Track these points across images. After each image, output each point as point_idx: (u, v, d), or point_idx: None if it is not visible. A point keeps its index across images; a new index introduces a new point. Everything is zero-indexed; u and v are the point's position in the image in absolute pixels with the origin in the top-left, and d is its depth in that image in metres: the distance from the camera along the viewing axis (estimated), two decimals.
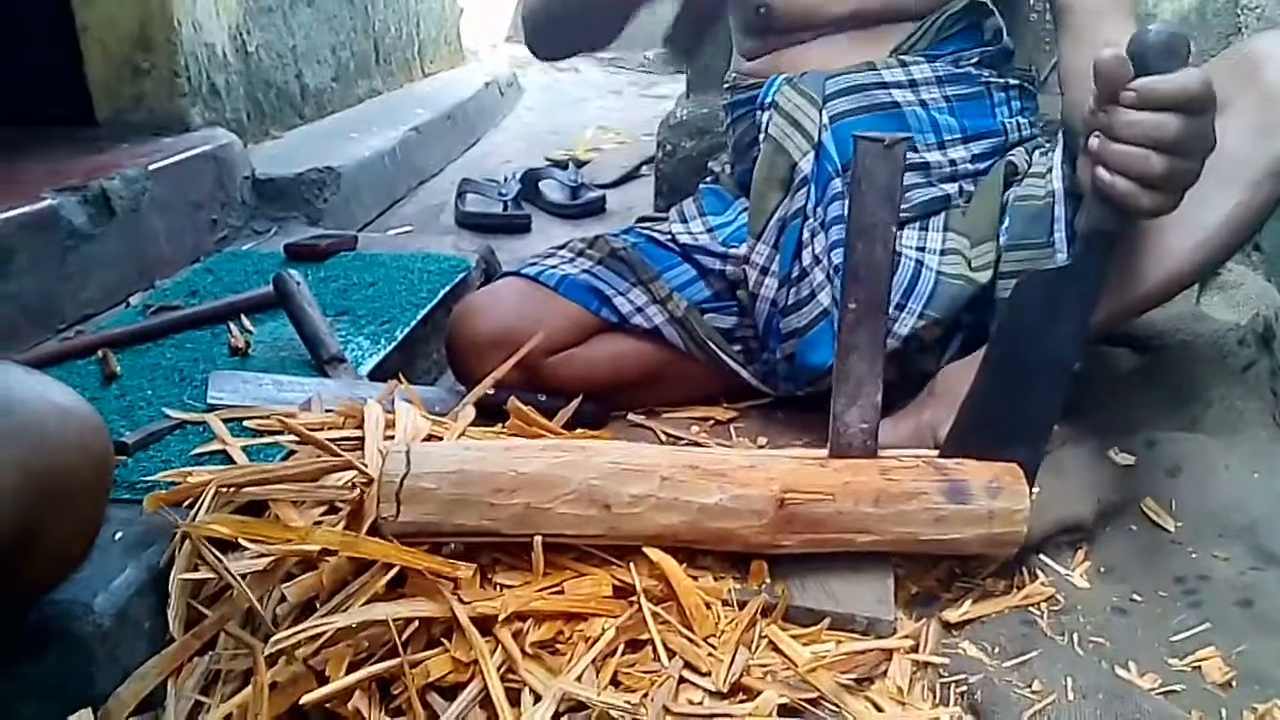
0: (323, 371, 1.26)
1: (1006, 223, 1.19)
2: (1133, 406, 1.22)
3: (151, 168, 1.65)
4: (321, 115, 2.60)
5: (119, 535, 0.93)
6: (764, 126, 1.26)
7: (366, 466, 0.97)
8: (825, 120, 1.22)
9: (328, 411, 1.13)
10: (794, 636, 0.89)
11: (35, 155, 1.68)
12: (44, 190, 1.45)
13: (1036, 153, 1.26)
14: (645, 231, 1.38)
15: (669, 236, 1.35)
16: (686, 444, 1.27)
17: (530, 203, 2.41)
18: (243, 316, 1.44)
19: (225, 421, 1.10)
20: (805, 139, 1.22)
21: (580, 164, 2.72)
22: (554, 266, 1.30)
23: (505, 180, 2.42)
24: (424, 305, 1.51)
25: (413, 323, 1.45)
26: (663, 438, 1.29)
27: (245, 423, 1.10)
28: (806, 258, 1.20)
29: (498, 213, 2.29)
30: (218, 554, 0.87)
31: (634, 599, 0.89)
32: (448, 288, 1.58)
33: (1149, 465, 1.12)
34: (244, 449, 1.05)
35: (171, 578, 0.89)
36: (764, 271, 1.25)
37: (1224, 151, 0.91)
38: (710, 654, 0.84)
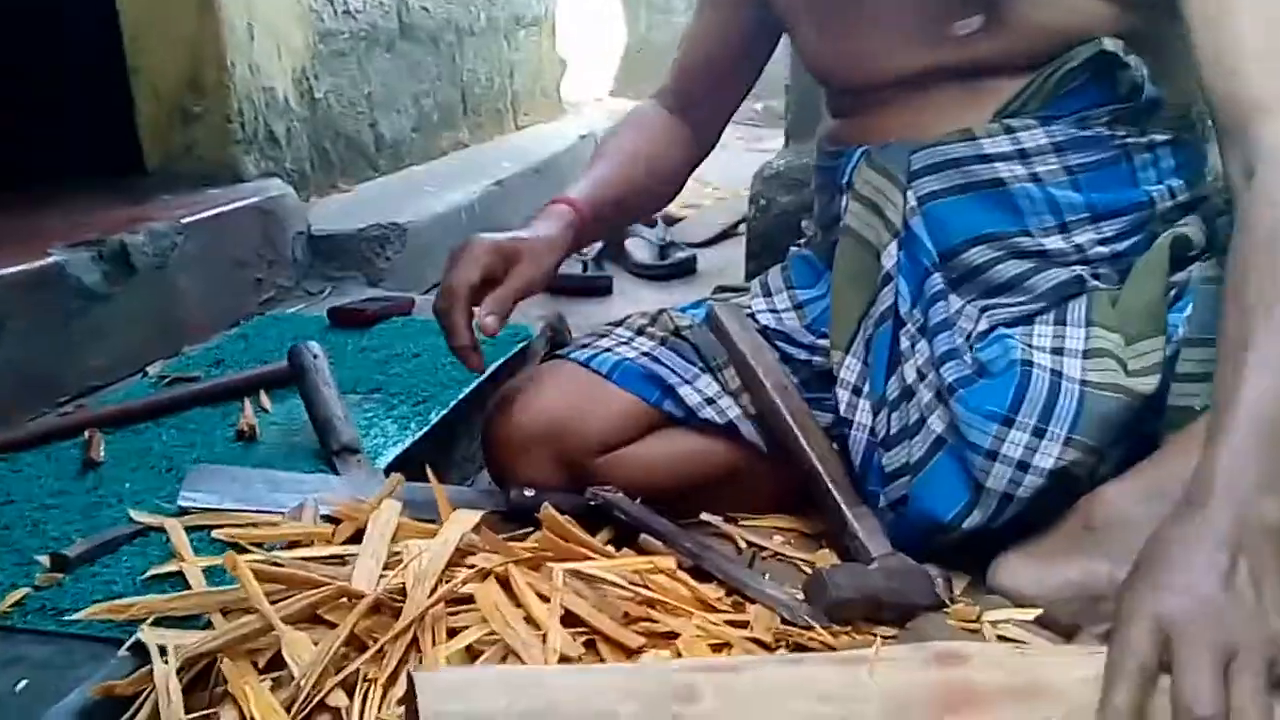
0: (330, 463, 1.07)
1: (1189, 310, 0.92)
2: None
3: (185, 221, 1.50)
4: (398, 167, 2.45)
5: (22, 685, 0.73)
6: (842, 212, 1.06)
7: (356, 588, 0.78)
8: (913, 202, 1.01)
9: (322, 518, 0.94)
10: None
11: (66, 207, 1.55)
12: (52, 245, 1.30)
13: (1220, 219, 0.99)
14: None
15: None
16: (770, 556, 1.06)
17: (614, 263, 2.28)
18: (262, 393, 1.27)
19: (193, 530, 0.91)
20: (887, 228, 1.02)
21: (672, 221, 2.53)
22: (608, 349, 1.09)
23: None
24: (469, 382, 1.31)
25: (451, 403, 1.27)
26: (743, 546, 1.08)
27: (214, 533, 0.90)
28: (909, 374, 0.98)
29: (576, 274, 2.14)
30: None
31: None
32: (500, 360, 1.37)
33: None
34: (206, 570, 0.85)
35: None
36: (856, 392, 1.03)
37: None
38: None
